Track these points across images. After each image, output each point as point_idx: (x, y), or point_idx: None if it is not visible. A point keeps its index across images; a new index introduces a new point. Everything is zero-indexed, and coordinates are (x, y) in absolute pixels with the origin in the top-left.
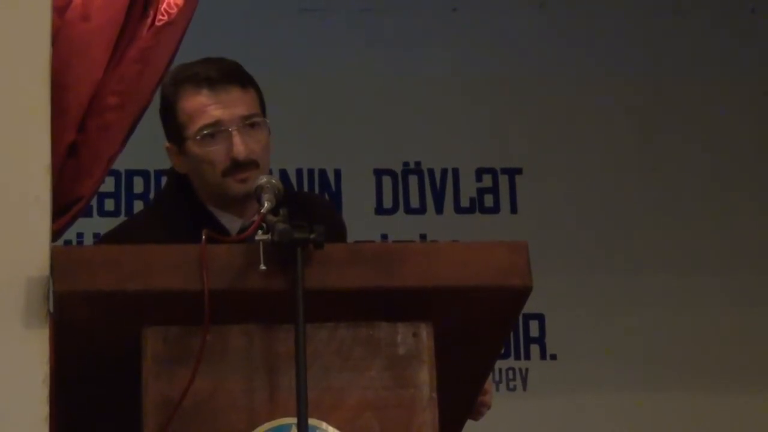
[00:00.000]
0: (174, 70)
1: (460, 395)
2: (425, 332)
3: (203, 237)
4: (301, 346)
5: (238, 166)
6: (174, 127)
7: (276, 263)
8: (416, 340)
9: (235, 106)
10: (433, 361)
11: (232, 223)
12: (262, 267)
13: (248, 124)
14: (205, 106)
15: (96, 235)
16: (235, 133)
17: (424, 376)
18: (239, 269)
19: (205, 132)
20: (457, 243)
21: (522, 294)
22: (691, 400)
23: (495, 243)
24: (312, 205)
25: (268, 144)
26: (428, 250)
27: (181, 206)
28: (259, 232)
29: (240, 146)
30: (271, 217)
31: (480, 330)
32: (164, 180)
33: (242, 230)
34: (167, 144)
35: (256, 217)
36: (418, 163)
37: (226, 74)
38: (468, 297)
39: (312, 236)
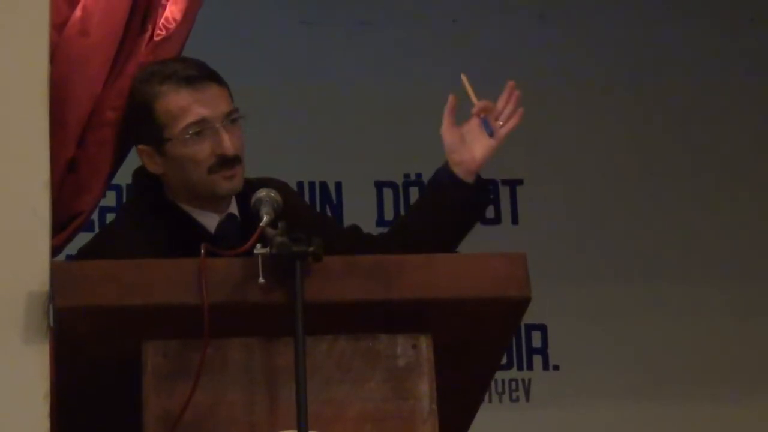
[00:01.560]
0: (146, 70)
1: (460, 406)
2: (425, 344)
3: (202, 251)
4: (301, 358)
5: (225, 162)
6: (151, 129)
7: (275, 276)
8: (416, 352)
9: (218, 102)
10: (433, 372)
11: (208, 219)
12: (261, 280)
13: (232, 120)
14: (189, 105)
15: None
16: (221, 129)
17: (424, 388)
18: (238, 283)
19: (191, 131)
20: (455, 254)
21: (521, 305)
22: (694, 409)
23: (493, 254)
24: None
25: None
26: (427, 262)
27: (154, 210)
28: (258, 245)
29: (228, 142)
30: (269, 231)
31: (479, 341)
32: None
33: (219, 227)
34: (140, 146)
35: (231, 211)
36: (419, 175)
37: (204, 72)
38: (467, 308)
39: (310, 249)
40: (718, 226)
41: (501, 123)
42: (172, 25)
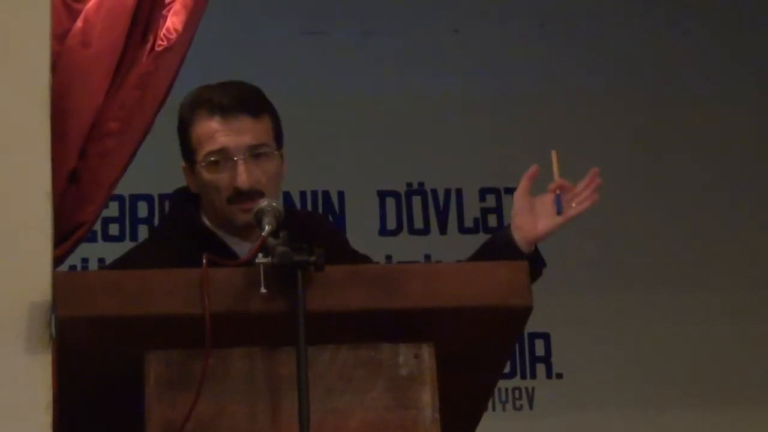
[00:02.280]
0: (193, 91)
1: (463, 416)
2: (427, 353)
3: (204, 261)
4: (303, 368)
5: (241, 195)
6: (187, 149)
7: (277, 286)
8: (418, 361)
9: (243, 134)
10: (435, 381)
11: (238, 246)
12: (263, 290)
13: (255, 153)
14: (214, 133)
15: (101, 260)
16: (240, 162)
17: (427, 397)
18: (240, 292)
19: (210, 159)
20: (457, 263)
21: (523, 313)
22: (697, 417)
23: (495, 263)
24: (314, 224)
25: (278, 174)
26: (428, 271)
27: (187, 230)
28: (260, 255)
29: (243, 176)
30: (271, 240)
31: (482, 350)
32: (168, 204)
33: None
34: (183, 164)
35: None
36: (421, 184)
37: (240, 102)
38: (469, 317)
39: (312, 258)
40: (721, 234)
41: (574, 204)
42: (174, 36)
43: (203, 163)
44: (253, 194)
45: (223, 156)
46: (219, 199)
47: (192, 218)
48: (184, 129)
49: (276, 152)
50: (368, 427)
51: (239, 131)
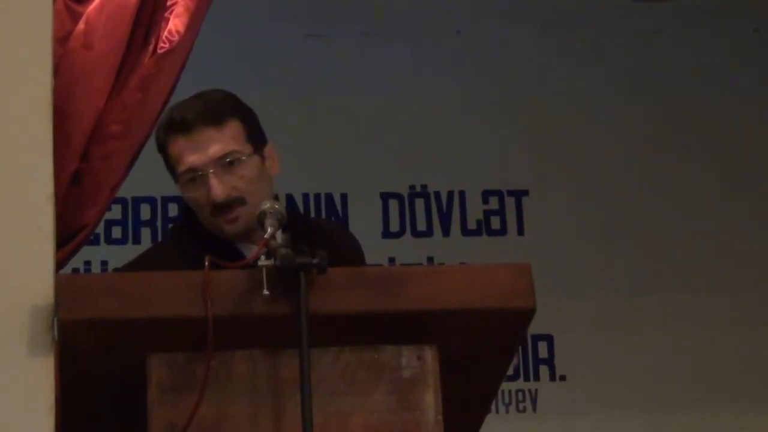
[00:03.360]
0: (166, 111)
1: (466, 418)
2: (430, 355)
3: (206, 263)
4: (306, 370)
5: (219, 207)
6: (170, 170)
7: (279, 288)
8: (421, 363)
9: (208, 147)
10: (438, 384)
11: (245, 250)
12: (266, 292)
13: (226, 163)
14: (181, 152)
15: (104, 263)
16: (211, 176)
17: (430, 399)
18: (242, 295)
19: (185, 178)
20: (459, 265)
21: (526, 315)
22: (701, 420)
23: (498, 265)
24: (332, 234)
25: (258, 175)
26: (431, 273)
27: (196, 236)
28: (262, 257)
29: (216, 189)
30: (274, 242)
31: (485, 352)
32: (170, 207)
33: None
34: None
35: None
36: (424, 186)
37: (199, 115)
38: (471, 319)
39: (315, 261)
40: (725, 237)
41: None
42: (176, 38)
43: (180, 184)
44: (231, 203)
45: (194, 173)
46: (203, 213)
47: (201, 226)
48: (162, 152)
49: (249, 155)
50: (371, 429)
51: (204, 145)
